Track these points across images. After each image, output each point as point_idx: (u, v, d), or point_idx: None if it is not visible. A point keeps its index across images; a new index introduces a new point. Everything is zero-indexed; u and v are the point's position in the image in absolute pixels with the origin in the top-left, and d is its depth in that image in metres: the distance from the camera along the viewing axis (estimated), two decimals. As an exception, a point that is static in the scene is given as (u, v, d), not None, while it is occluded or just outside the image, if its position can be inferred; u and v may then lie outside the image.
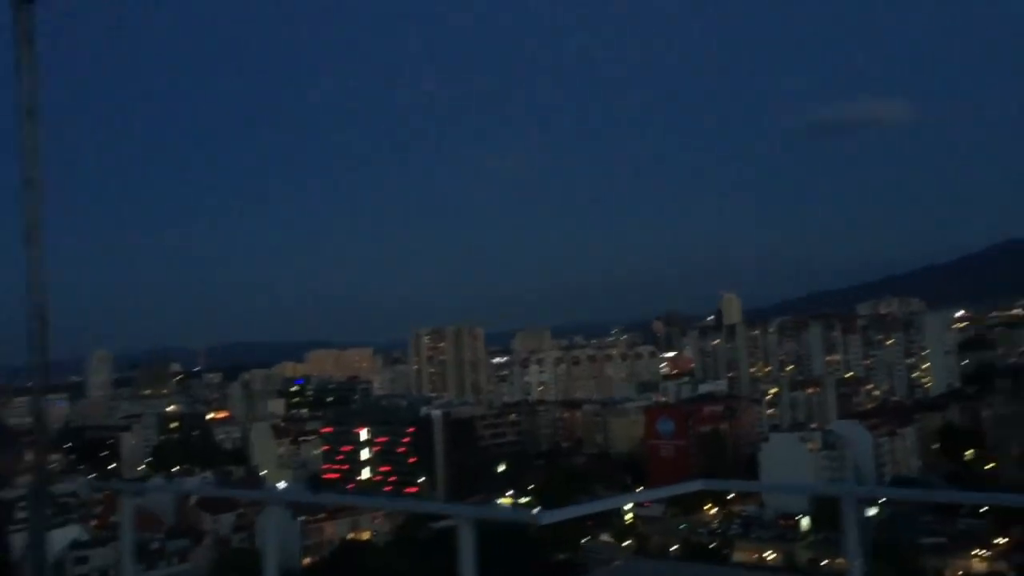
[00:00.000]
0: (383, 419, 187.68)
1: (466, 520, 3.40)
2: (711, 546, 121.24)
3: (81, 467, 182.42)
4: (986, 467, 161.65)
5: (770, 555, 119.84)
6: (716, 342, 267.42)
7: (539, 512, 3.48)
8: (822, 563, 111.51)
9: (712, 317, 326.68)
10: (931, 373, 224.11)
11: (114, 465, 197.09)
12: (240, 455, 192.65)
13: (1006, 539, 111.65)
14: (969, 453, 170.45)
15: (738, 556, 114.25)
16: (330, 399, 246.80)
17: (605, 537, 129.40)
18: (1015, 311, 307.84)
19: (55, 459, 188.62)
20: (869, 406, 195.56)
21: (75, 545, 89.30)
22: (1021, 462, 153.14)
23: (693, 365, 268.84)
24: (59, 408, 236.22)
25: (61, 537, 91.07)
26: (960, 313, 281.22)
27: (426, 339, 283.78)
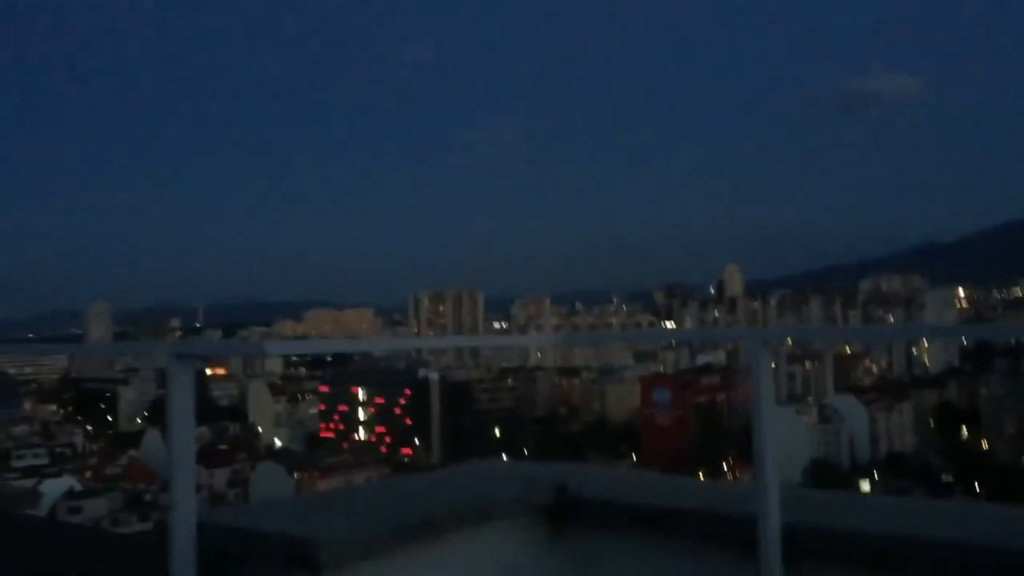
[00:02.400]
0: (380, 380, 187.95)
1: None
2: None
3: (79, 419, 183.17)
4: (980, 446, 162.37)
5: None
6: (716, 314, 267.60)
7: (266, 343, 3.17)
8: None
9: (713, 289, 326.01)
10: (930, 351, 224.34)
11: (111, 419, 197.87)
12: (237, 411, 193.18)
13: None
14: (964, 432, 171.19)
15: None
16: (328, 359, 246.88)
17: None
18: (1015, 291, 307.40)
19: (53, 410, 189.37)
20: (867, 381, 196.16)
21: (69, 495, 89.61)
22: (1014, 443, 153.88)
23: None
24: (58, 359, 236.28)
25: (56, 487, 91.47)
26: (961, 292, 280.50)
27: (426, 302, 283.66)
